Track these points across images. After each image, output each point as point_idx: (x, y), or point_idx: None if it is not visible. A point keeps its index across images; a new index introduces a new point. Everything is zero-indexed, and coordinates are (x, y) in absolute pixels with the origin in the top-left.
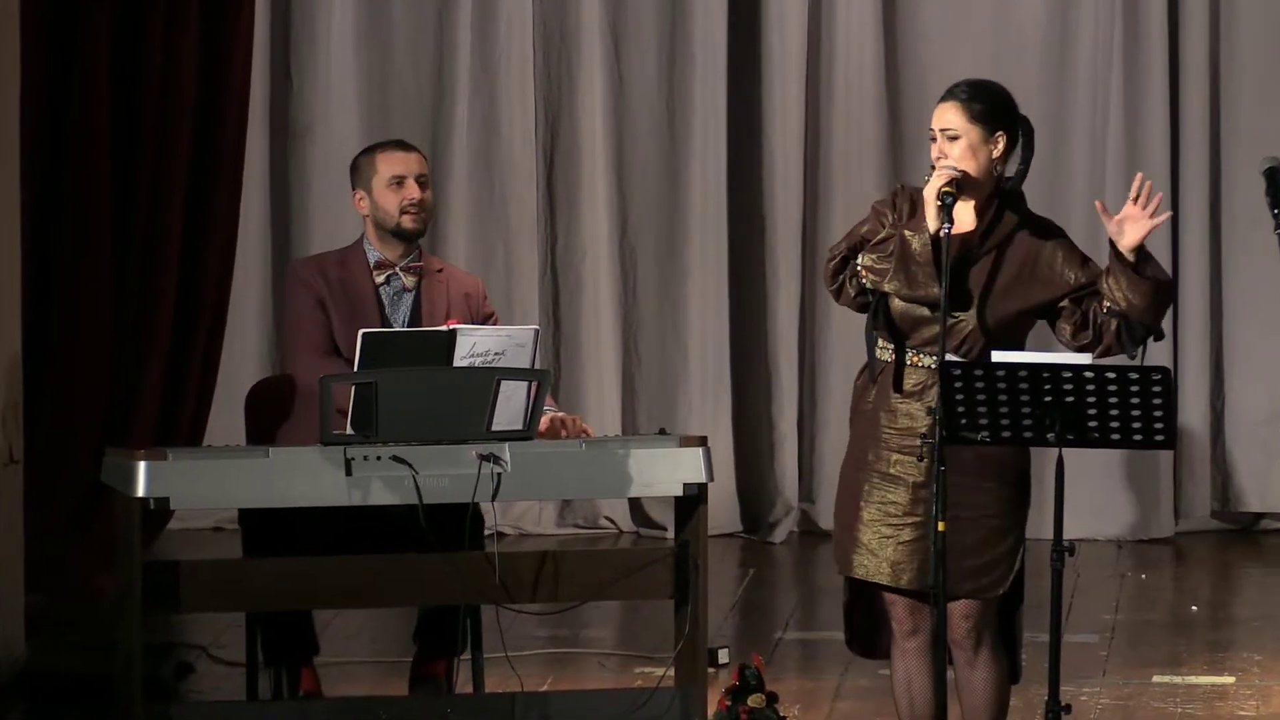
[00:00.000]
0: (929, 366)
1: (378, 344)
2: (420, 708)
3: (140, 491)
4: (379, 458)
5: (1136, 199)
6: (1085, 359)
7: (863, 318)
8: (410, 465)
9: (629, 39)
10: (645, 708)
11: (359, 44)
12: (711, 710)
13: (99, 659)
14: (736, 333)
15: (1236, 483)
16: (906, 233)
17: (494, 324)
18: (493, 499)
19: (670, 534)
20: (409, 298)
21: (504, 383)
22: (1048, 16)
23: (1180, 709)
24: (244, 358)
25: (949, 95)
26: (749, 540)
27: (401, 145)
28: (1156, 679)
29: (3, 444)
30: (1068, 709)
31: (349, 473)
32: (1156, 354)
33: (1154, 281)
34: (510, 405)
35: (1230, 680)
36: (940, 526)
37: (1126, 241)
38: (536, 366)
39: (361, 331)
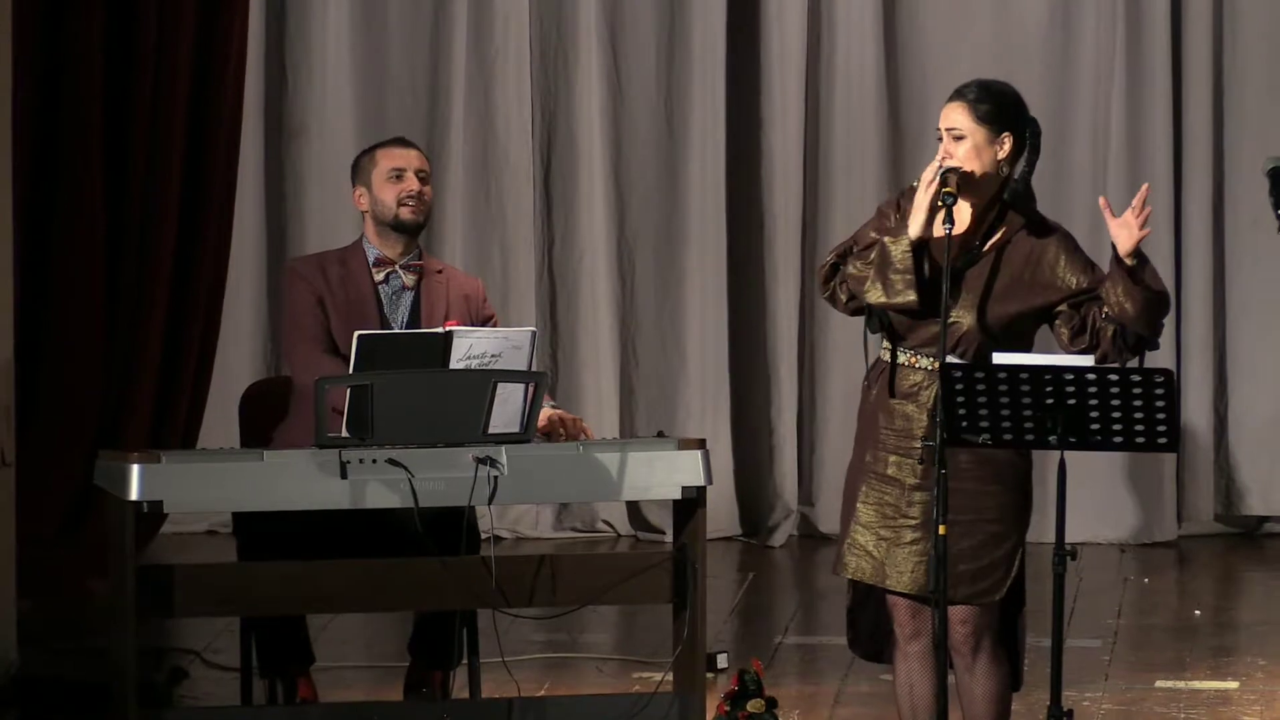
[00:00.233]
0: (926, 368)
1: (373, 345)
2: (416, 714)
3: (133, 494)
4: (374, 460)
5: (1142, 203)
6: (1087, 360)
7: (861, 323)
8: (406, 468)
9: (627, 38)
10: (643, 713)
11: (355, 43)
12: (710, 716)
13: (92, 664)
14: (735, 334)
15: (1240, 486)
16: (887, 240)
17: (493, 326)
18: (489, 502)
19: (669, 538)
20: (408, 297)
21: (500, 385)
22: (1049, 15)
23: (1184, 714)
24: (238, 359)
25: (957, 95)
26: (748, 544)
27: (402, 142)
28: (1160, 684)
29: None
30: (1070, 715)
31: (344, 476)
32: (1160, 356)
33: (1149, 291)
34: (507, 408)
35: (1234, 685)
36: (941, 530)
37: (1120, 247)
38: (533, 369)
39: (357, 333)
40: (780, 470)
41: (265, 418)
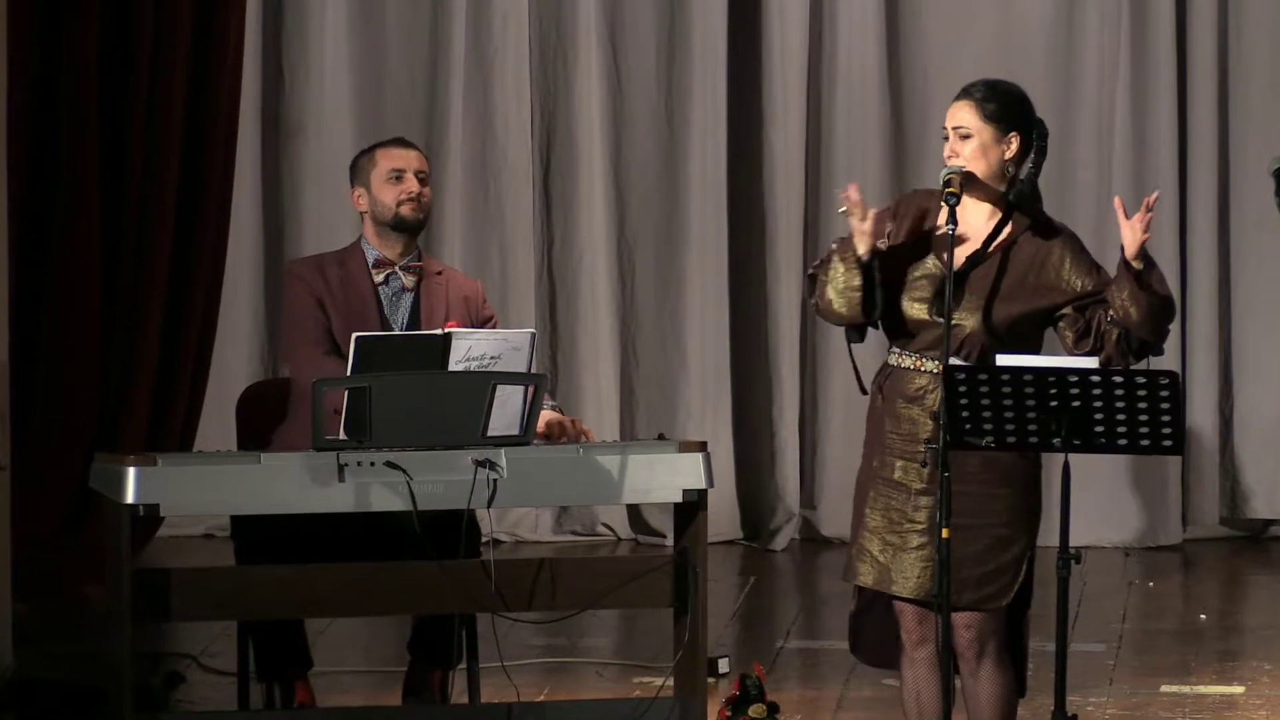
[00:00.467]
0: (932, 371)
1: (371, 347)
2: (414, 718)
3: (130, 498)
4: (372, 463)
5: (1147, 209)
6: (1092, 362)
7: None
8: (404, 471)
9: (626, 36)
10: (644, 718)
11: (352, 41)
12: None
13: (88, 668)
14: (737, 336)
15: (1245, 489)
16: (835, 252)
17: (493, 327)
18: (489, 505)
19: (669, 541)
20: (408, 298)
21: (500, 387)
22: (1053, 13)
23: (1189, 719)
24: (236, 361)
25: (964, 94)
26: (749, 547)
27: (401, 143)
28: (1165, 689)
29: None
30: (1074, 719)
31: (342, 479)
32: (1164, 357)
33: (1155, 295)
34: (506, 410)
35: (1240, 690)
36: (944, 534)
37: (1126, 249)
38: (533, 370)
39: (355, 335)
40: (782, 473)
41: (262, 420)
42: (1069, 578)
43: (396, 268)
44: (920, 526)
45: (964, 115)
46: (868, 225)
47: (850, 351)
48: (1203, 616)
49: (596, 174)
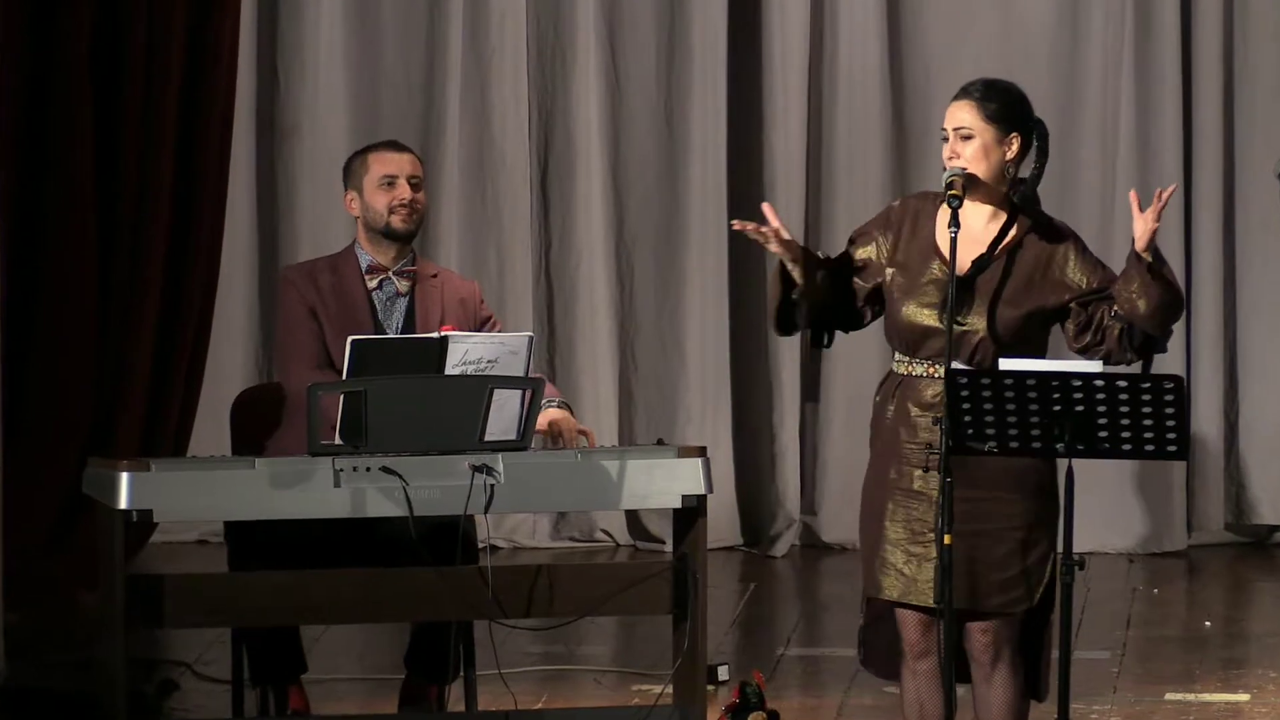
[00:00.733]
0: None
1: (367, 351)
2: None
3: (123, 503)
4: (368, 469)
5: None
6: (1095, 367)
7: (866, 327)
8: (400, 476)
9: (625, 35)
10: None
11: (348, 41)
12: None
13: (81, 676)
14: (737, 339)
15: (1251, 494)
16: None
17: (493, 327)
18: (486, 511)
19: (668, 547)
20: (403, 303)
21: (497, 391)
22: (1056, 13)
23: None
24: (230, 365)
25: (963, 93)
26: (749, 554)
27: (394, 146)
28: (1169, 696)
29: None
30: None
31: (337, 484)
32: (1169, 360)
33: (1166, 286)
34: (503, 414)
35: (1245, 698)
36: (946, 540)
37: (1137, 241)
38: (530, 374)
39: (350, 338)
40: (782, 478)
41: (257, 425)
42: (1073, 584)
43: (390, 273)
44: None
45: (965, 116)
46: (774, 248)
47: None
48: (1208, 623)
49: (595, 175)
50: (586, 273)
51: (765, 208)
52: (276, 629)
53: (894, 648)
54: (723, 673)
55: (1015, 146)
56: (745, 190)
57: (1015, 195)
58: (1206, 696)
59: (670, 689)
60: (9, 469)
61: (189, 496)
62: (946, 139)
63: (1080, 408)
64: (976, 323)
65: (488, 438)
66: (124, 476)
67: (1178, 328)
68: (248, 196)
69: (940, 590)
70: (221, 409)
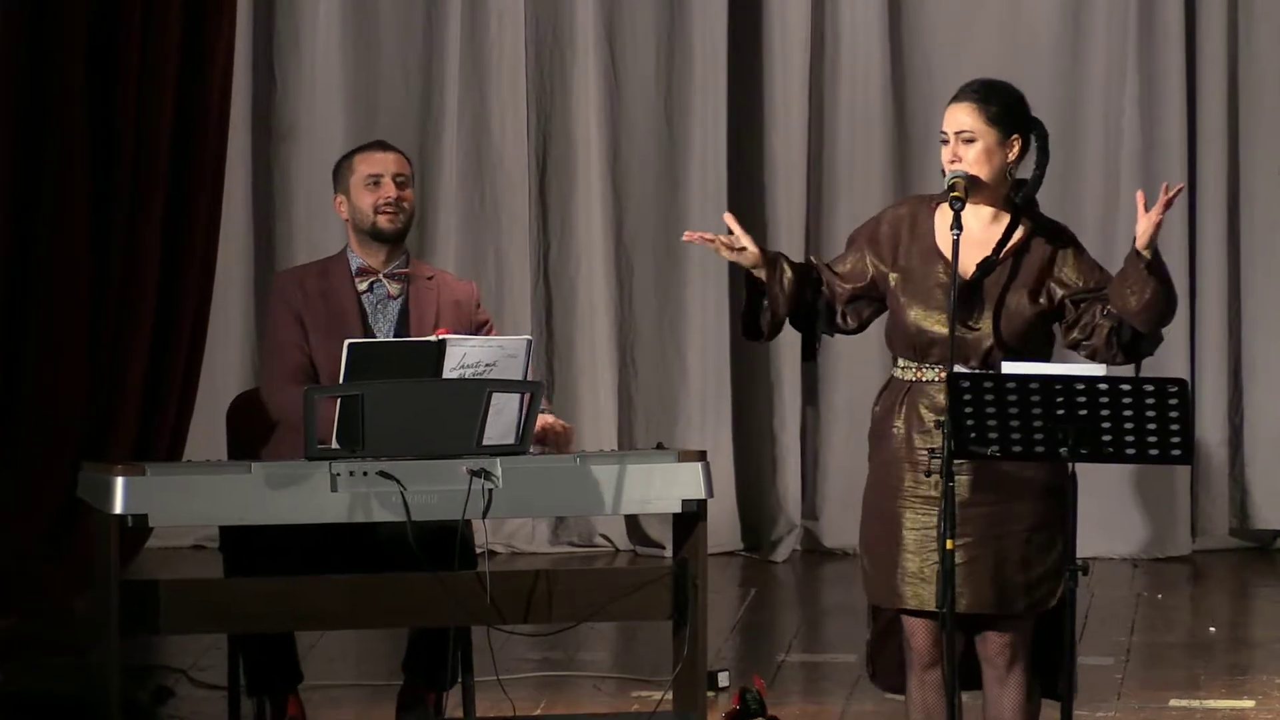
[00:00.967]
0: None
1: (364, 355)
2: None
3: (118, 508)
4: (365, 473)
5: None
6: (1099, 370)
7: (868, 331)
8: (398, 481)
9: (625, 37)
10: None
11: (345, 42)
12: None
13: (75, 682)
14: (737, 342)
15: (1256, 499)
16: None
17: (488, 332)
18: (484, 516)
19: (668, 552)
20: (395, 306)
21: (495, 395)
22: (1060, 14)
23: None
24: (226, 368)
25: (963, 95)
26: (750, 559)
27: (380, 145)
28: (1173, 703)
29: None
30: None
31: (334, 489)
32: (1173, 364)
33: (1161, 285)
34: (502, 418)
35: (1250, 704)
36: (949, 545)
37: (1138, 238)
38: (529, 378)
39: (347, 342)
40: (783, 483)
41: (253, 428)
42: (1076, 589)
43: (381, 275)
44: (968, 540)
45: (966, 118)
46: (725, 254)
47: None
48: (1212, 629)
49: (594, 177)
50: (586, 275)
51: (727, 218)
52: (272, 639)
53: (899, 659)
54: (723, 679)
55: (1017, 148)
56: (745, 192)
57: (1018, 197)
58: (1211, 703)
59: (670, 695)
60: (3, 473)
61: (185, 501)
62: (946, 141)
63: (1083, 411)
64: (986, 326)
65: (486, 442)
66: (119, 481)
67: (1182, 330)
68: (244, 198)
69: (943, 595)
70: (217, 413)
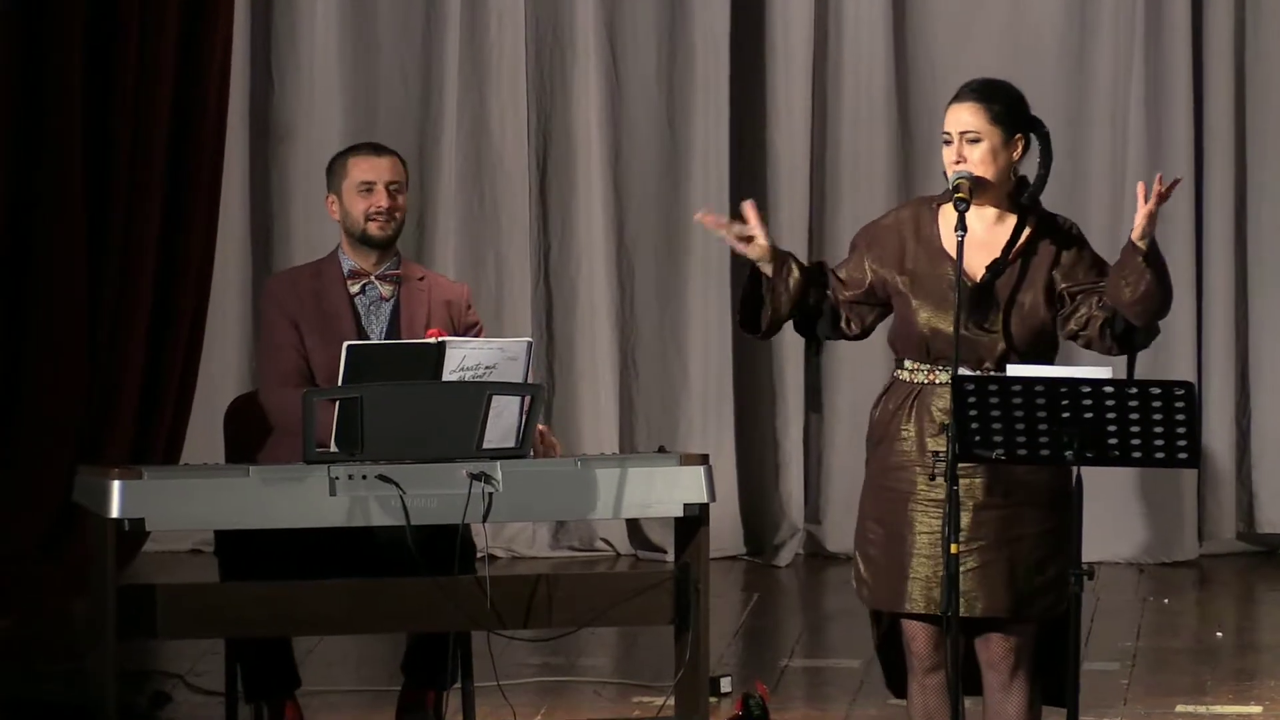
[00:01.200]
0: None
1: (363, 357)
2: None
3: (114, 512)
4: (364, 477)
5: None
6: (1105, 373)
7: (854, 339)
8: (397, 485)
9: (626, 37)
10: None
11: (343, 43)
12: None
13: (72, 687)
14: (740, 344)
15: (1263, 503)
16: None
17: (478, 334)
18: (484, 520)
19: (670, 557)
20: (387, 307)
21: (495, 398)
22: (1065, 13)
23: None
24: (223, 370)
25: (964, 95)
26: (753, 563)
27: (375, 149)
28: (1180, 709)
29: None
30: None
31: (333, 493)
32: (1180, 367)
33: (1156, 278)
34: (502, 421)
35: (1257, 710)
36: (954, 549)
37: (1135, 229)
38: (529, 381)
39: (346, 344)
40: (786, 487)
41: (251, 432)
42: (1081, 594)
43: (373, 277)
44: (982, 544)
45: (970, 118)
46: (734, 244)
47: (810, 357)
48: (1219, 634)
49: (595, 178)
50: (586, 277)
51: (747, 205)
52: (269, 644)
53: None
54: (725, 684)
55: (1020, 147)
56: (748, 192)
57: (1024, 197)
58: (1218, 709)
59: (672, 701)
60: (1, 475)
61: (182, 505)
62: (949, 142)
63: (1089, 414)
64: (998, 327)
65: (486, 445)
66: (115, 485)
67: (1188, 332)
68: (241, 200)
69: (947, 599)
70: (215, 416)
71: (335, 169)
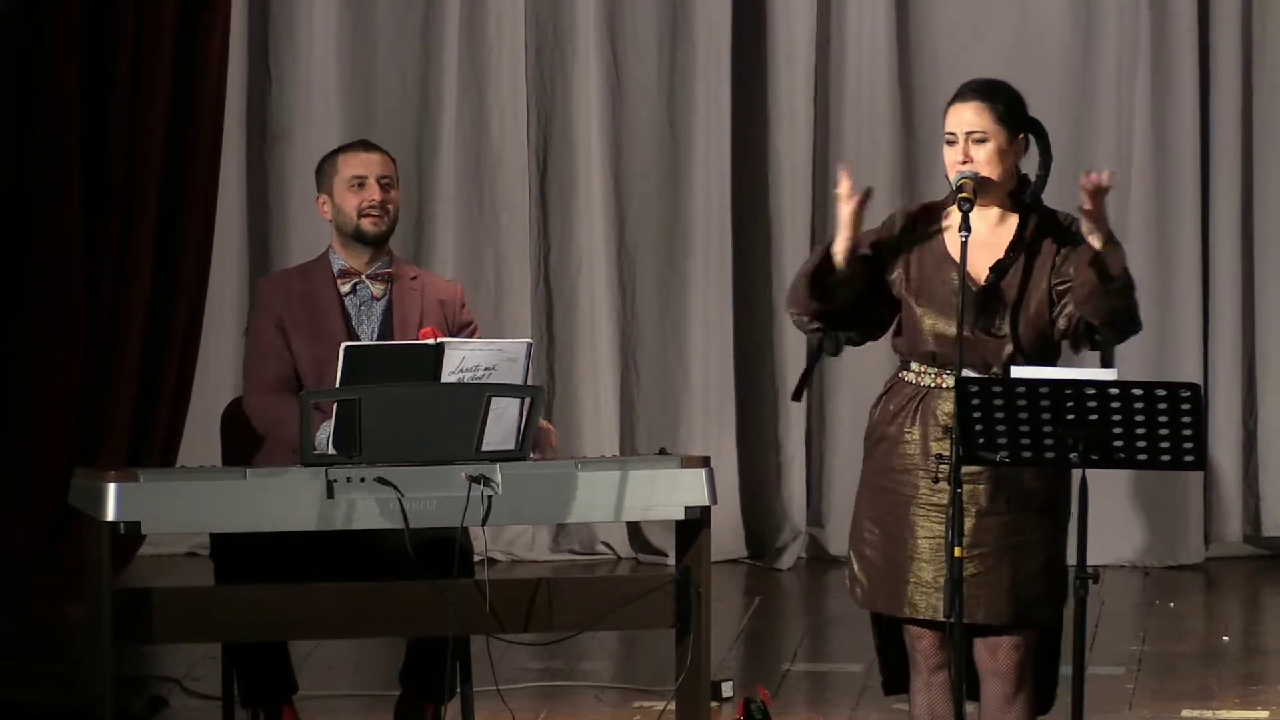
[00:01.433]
0: None
1: (361, 358)
2: None
3: (110, 515)
4: (362, 479)
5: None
6: (1110, 374)
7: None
8: (395, 487)
9: (627, 36)
10: None
11: (341, 41)
12: None
13: (68, 691)
14: (741, 347)
15: (1270, 505)
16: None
17: (472, 333)
18: (483, 523)
19: (671, 560)
20: (378, 307)
21: (495, 400)
22: (1070, 12)
23: None
24: (220, 372)
25: (968, 95)
26: (754, 566)
27: (364, 145)
28: (1186, 714)
29: None
30: None
31: (330, 495)
32: (1186, 368)
33: (1103, 275)
34: (501, 424)
35: (1264, 715)
36: (957, 552)
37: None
38: (529, 382)
39: (344, 345)
40: (788, 489)
41: (248, 434)
42: (1086, 597)
43: (364, 276)
44: (985, 550)
45: (976, 118)
46: (844, 212)
47: (811, 362)
48: (1225, 638)
49: (595, 179)
50: (587, 278)
51: (841, 166)
52: (266, 648)
53: (906, 664)
54: (727, 689)
55: (1023, 147)
56: (750, 193)
57: (1027, 197)
58: (1224, 713)
59: (673, 706)
60: None
61: (178, 508)
62: (953, 142)
63: (1094, 417)
64: (1005, 329)
65: (485, 447)
66: (111, 487)
67: (1195, 332)
68: (238, 201)
69: (951, 603)
70: (211, 418)
71: (325, 168)
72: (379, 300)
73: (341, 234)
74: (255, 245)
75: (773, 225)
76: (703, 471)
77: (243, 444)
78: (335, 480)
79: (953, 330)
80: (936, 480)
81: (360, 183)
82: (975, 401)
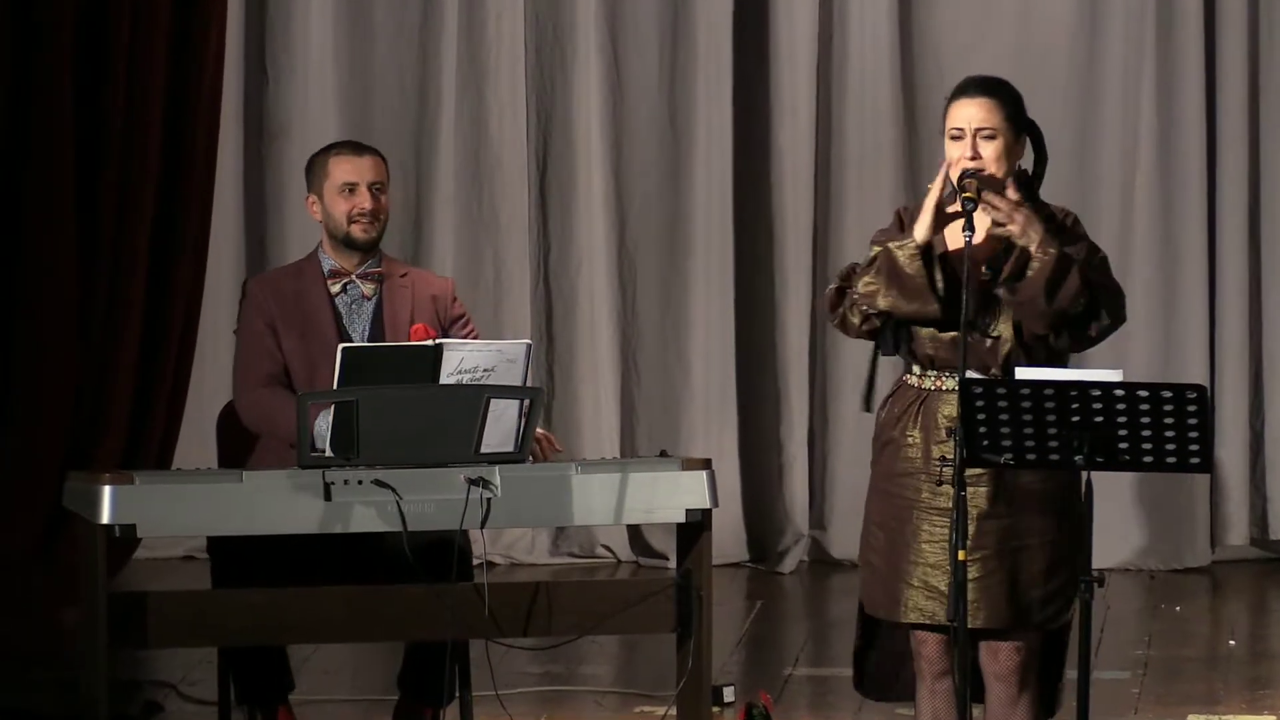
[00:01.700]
0: None
1: (359, 359)
2: None
3: (105, 518)
4: (360, 482)
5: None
6: (1115, 375)
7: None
8: (394, 490)
9: (627, 34)
10: None
11: (339, 39)
12: None
13: (62, 696)
14: (743, 348)
15: (1277, 508)
16: (891, 245)
17: (465, 324)
18: (482, 526)
19: (672, 563)
20: (369, 306)
21: (494, 401)
22: (1076, 12)
23: None
24: (216, 373)
25: (974, 91)
26: (756, 570)
27: (356, 148)
28: (1192, 718)
29: None
30: None
31: (328, 498)
32: (1192, 370)
33: (1027, 282)
34: (501, 425)
35: (1271, 719)
36: (960, 555)
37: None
38: (529, 384)
39: (341, 346)
40: (790, 492)
41: (244, 437)
42: (1091, 601)
43: (354, 275)
44: (986, 553)
45: (984, 114)
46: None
47: (874, 366)
48: (1231, 642)
49: (596, 179)
50: (587, 279)
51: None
52: (263, 649)
53: (892, 667)
54: (728, 694)
55: (1024, 146)
56: (752, 192)
57: (1026, 194)
58: (1230, 717)
59: (674, 711)
60: None
61: (174, 511)
62: (958, 137)
63: (1099, 418)
64: (1006, 331)
65: (484, 450)
66: (106, 490)
67: (1201, 333)
68: (235, 200)
69: (954, 607)
70: (208, 420)
71: (315, 168)
72: (369, 300)
73: (331, 237)
74: (252, 245)
75: (774, 225)
76: (704, 474)
77: (239, 446)
78: (333, 483)
79: (948, 332)
80: (939, 483)
81: (351, 188)
82: (979, 403)
